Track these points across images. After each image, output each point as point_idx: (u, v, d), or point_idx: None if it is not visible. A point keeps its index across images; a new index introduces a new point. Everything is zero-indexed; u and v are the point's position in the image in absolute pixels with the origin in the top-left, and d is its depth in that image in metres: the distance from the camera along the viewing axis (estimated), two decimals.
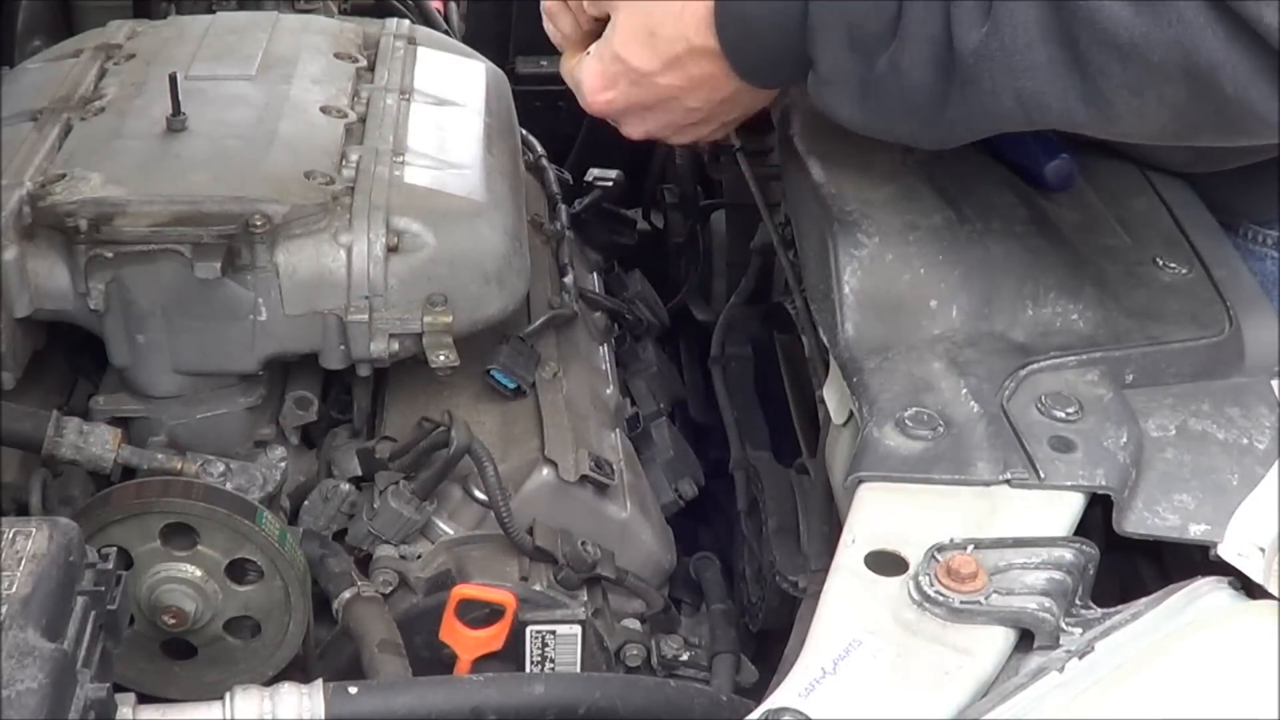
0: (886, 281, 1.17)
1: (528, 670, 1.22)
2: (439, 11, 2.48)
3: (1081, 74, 1.00)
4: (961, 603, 0.90)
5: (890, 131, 1.15)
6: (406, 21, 1.66)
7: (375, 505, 1.28)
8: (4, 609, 0.83)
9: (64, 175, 1.25)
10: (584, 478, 1.33)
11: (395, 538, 1.28)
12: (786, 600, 1.36)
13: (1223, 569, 0.95)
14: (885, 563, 0.95)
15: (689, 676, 1.30)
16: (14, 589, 0.85)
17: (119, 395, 1.28)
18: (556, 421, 1.37)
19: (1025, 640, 0.90)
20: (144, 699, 0.97)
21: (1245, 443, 1.07)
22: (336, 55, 1.52)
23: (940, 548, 0.94)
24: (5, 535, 0.89)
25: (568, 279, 1.60)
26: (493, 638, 1.18)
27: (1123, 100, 1.00)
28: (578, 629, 1.22)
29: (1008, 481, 1.01)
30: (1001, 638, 0.89)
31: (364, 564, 1.27)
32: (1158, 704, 0.82)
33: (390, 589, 1.25)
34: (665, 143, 1.46)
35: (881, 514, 0.99)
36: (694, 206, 1.89)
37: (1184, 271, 1.22)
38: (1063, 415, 1.06)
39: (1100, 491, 1.01)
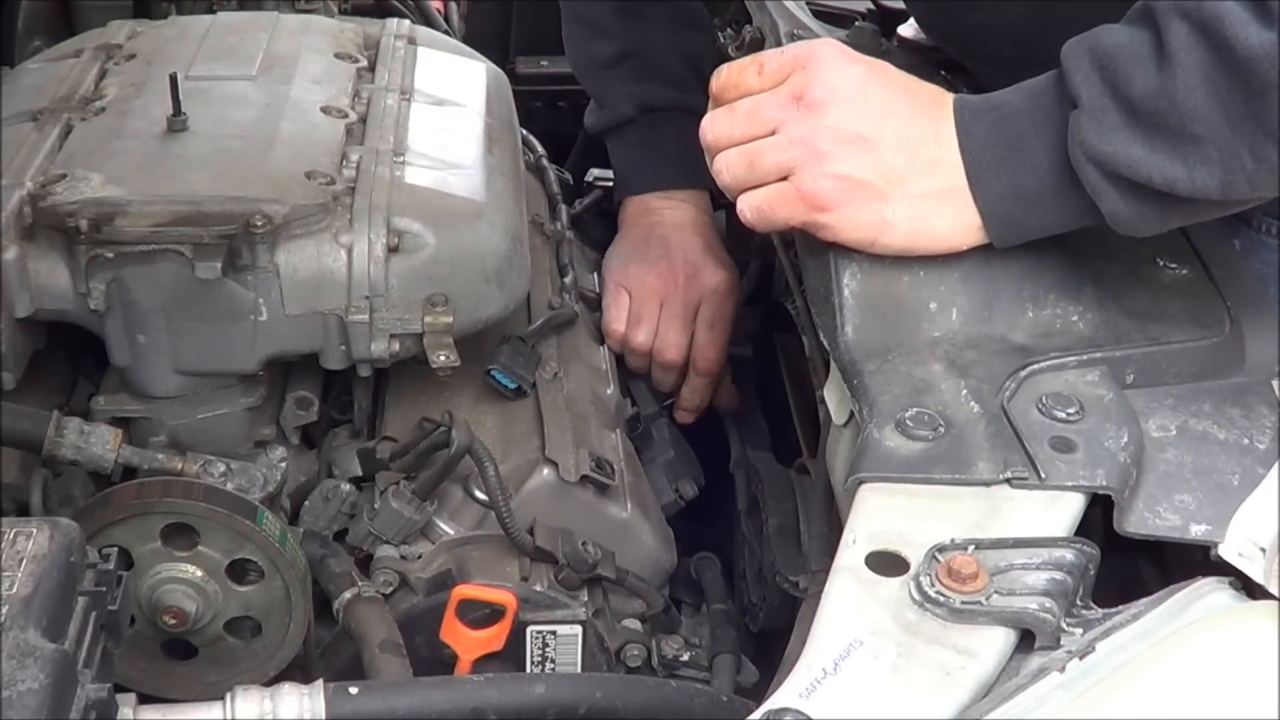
0: (886, 284, 1.17)
1: (528, 670, 1.22)
2: (439, 11, 2.48)
3: None
4: (962, 603, 0.90)
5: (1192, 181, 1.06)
6: (407, 22, 1.66)
7: (376, 505, 1.28)
8: (5, 609, 0.83)
9: (64, 175, 1.25)
10: (584, 478, 1.33)
11: (396, 538, 1.28)
12: (787, 600, 1.36)
13: (1223, 569, 0.95)
14: (886, 563, 0.95)
15: (689, 677, 1.30)
16: (15, 589, 0.85)
17: (120, 395, 1.28)
18: (557, 422, 1.37)
19: (1026, 641, 0.90)
20: (145, 699, 0.98)
21: (1246, 443, 1.07)
22: (337, 55, 1.52)
23: (941, 548, 0.94)
24: (6, 535, 0.89)
25: (568, 279, 1.60)
26: (493, 638, 1.18)
27: None
28: (578, 629, 1.22)
29: (1008, 482, 1.01)
30: (1002, 638, 0.90)
31: (364, 564, 1.27)
32: (1159, 704, 0.82)
33: (391, 589, 1.25)
34: None
35: (882, 514, 0.99)
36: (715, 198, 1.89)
37: (1184, 271, 1.22)
38: (1063, 416, 1.07)
39: (1101, 492, 1.01)
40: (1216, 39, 1.01)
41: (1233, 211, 1.15)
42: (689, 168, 1.71)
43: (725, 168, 1.19)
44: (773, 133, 1.16)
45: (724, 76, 1.21)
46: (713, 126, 1.21)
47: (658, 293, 1.60)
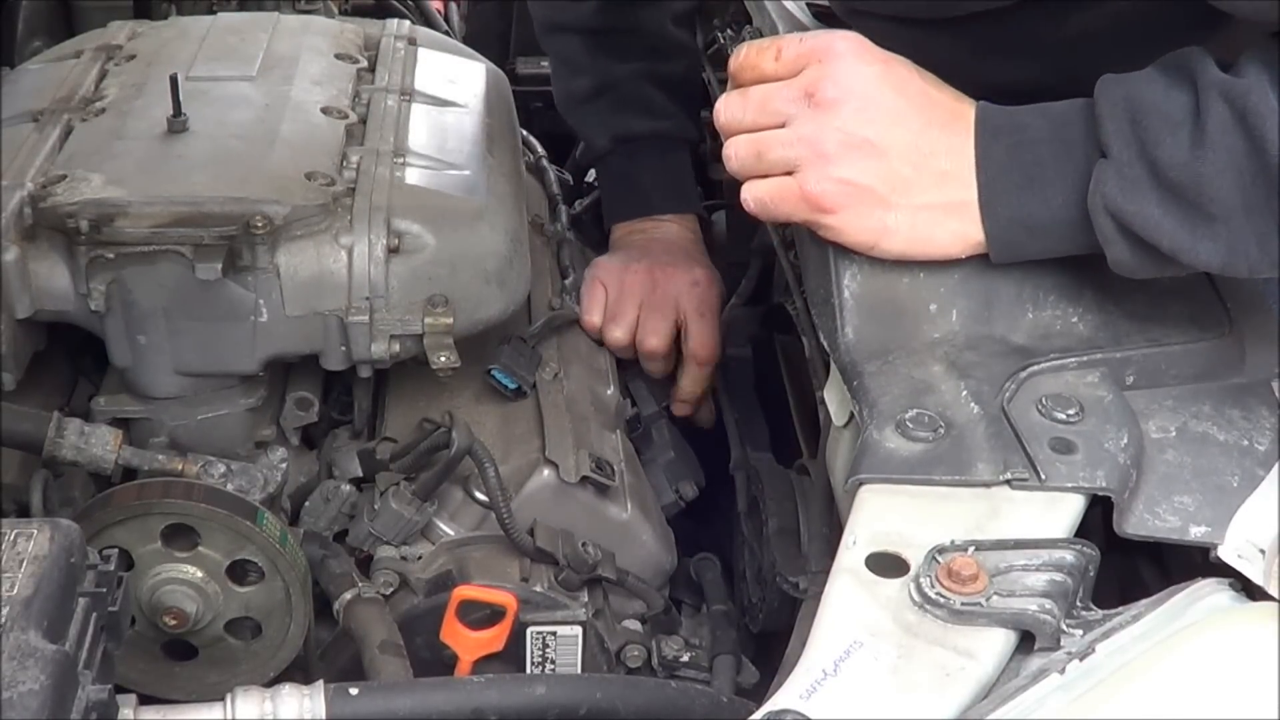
0: (886, 285, 1.17)
1: (528, 671, 1.22)
2: (439, 12, 2.49)
3: None
4: (962, 604, 0.90)
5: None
6: (407, 22, 1.66)
7: (376, 506, 1.28)
8: (5, 610, 0.83)
9: (65, 176, 1.25)
10: (585, 479, 1.33)
11: (396, 539, 1.28)
12: (787, 601, 1.36)
13: (1223, 570, 0.95)
14: (886, 564, 0.95)
15: (690, 677, 1.30)
16: (15, 590, 0.85)
17: (120, 396, 1.28)
18: (557, 422, 1.37)
19: (1026, 642, 0.90)
20: (145, 700, 0.98)
21: (1246, 444, 1.07)
22: (337, 56, 1.52)
23: (941, 549, 0.94)
24: (7, 536, 0.89)
25: (569, 280, 1.60)
26: (493, 639, 1.19)
27: None
28: (578, 630, 1.22)
29: (1008, 483, 1.01)
30: (1002, 639, 0.90)
31: (365, 565, 1.27)
32: (1158, 705, 0.82)
33: (391, 590, 1.25)
34: None
35: (882, 515, 0.99)
36: (705, 221, 1.89)
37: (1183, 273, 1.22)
38: (1063, 417, 1.07)
39: (1101, 493, 1.01)
40: (1254, 134, 1.01)
41: None
42: (670, 194, 1.73)
43: (734, 154, 1.19)
44: (783, 125, 1.16)
45: (742, 56, 1.21)
46: (725, 109, 1.20)
47: (635, 290, 1.61)
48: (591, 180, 1.95)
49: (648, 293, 1.61)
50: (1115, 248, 1.08)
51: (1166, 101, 1.06)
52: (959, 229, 1.13)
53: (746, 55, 1.20)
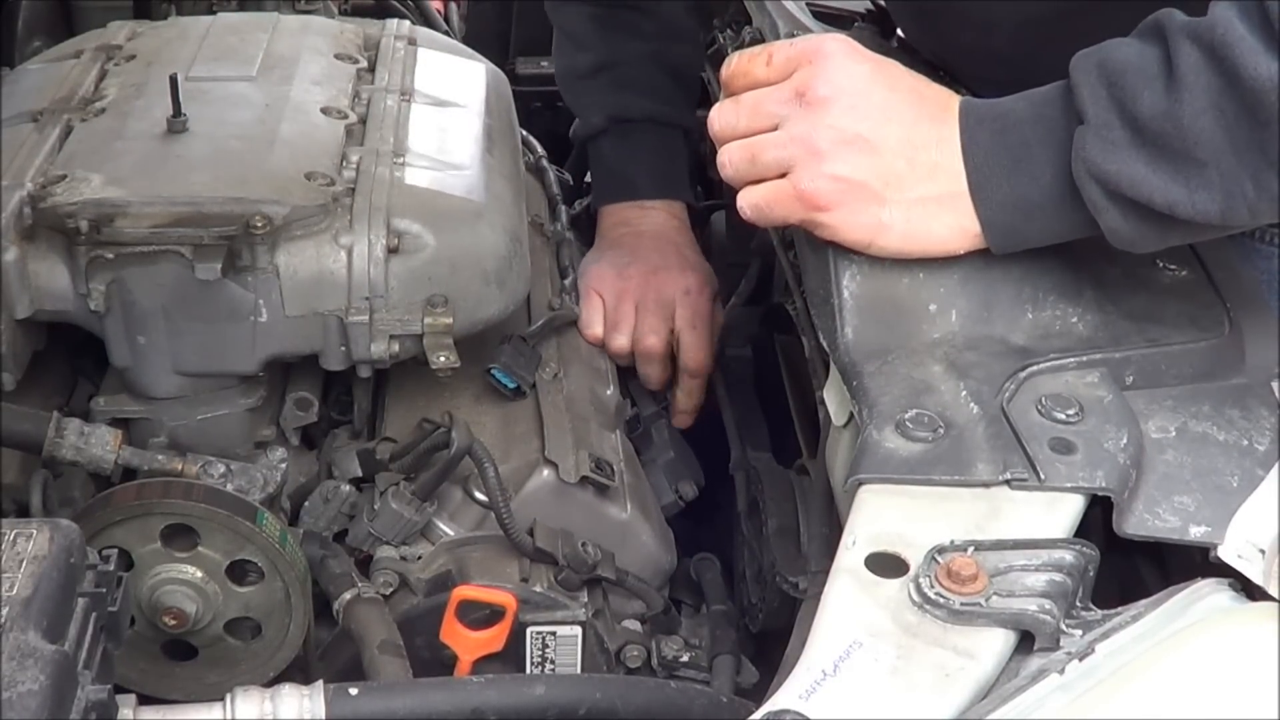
0: (885, 285, 1.17)
1: (528, 671, 1.22)
2: (439, 12, 2.49)
3: None
4: (962, 604, 0.90)
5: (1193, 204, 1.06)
6: (407, 22, 1.66)
7: (376, 506, 1.28)
8: (5, 610, 0.83)
9: (65, 176, 1.25)
10: (584, 479, 1.33)
11: (396, 539, 1.28)
12: (787, 601, 1.36)
13: (1223, 570, 0.95)
14: (886, 564, 0.95)
15: (689, 677, 1.30)
16: (15, 590, 0.85)
17: (120, 396, 1.28)
18: (557, 422, 1.37)
19: (1026, 642, 0.90)
20: (145, 700, 0.98)
21: (1245, 444, 1.07)
22: (337, 56, 1.52)
23: (940, 549, 0.94)
24: (6, 537, 0.89)
25: (568, 280, 1.60)
26: (493, 639, 1.19)
27: None
28: (578, 630, 1.22)
29: (1008, 483, 1.01)
30: (1002, 640, 0.90)
31: (364, 565, 1.27)
32: (1158, 706, 0.82)
33: (391, 590, 1.25)
34: None
35: (882, 516, 0.99)
36: (694, 208, 1.89)
37: (1183, 273, 1.22)
38: (1063, 417, 1.07)
39: (1100, 493, 1.01)
40: (1225, 66, 1.01)
41: (1231, 233, 1.15)
42: (661, 178, 1.72)
43: (728, 160, 1.19)
44: (775, 128, 1.16)
45: (734, 64, 1.21)
46: (719, 117, 1.20)
47: (630, 294, 1.60)
48: (591, 180, 1.94)
49: (643, 297, 1.61)
50: (1108, 215, 1.08)
51: (1140, 58, 1.05)
52: (954, 221, 1.13)
53: (738, 63, 1.20)
